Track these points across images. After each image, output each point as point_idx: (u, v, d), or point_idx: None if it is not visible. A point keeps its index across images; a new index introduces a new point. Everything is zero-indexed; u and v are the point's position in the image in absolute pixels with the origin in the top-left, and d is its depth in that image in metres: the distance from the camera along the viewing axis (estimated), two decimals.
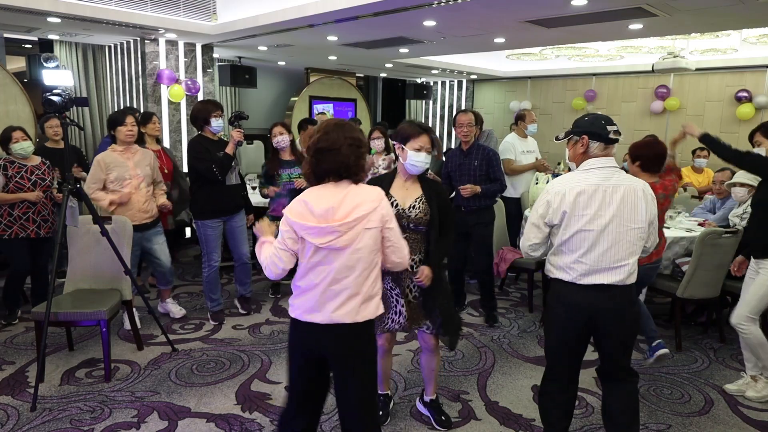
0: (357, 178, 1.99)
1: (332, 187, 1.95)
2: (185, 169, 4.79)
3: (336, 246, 1.91)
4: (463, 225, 4.04)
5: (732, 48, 7.16)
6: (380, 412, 2.86)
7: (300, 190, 4.37)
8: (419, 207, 2.57)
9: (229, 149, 3.94)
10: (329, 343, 2.00)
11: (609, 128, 2.24)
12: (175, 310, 4.33)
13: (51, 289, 3.05)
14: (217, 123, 3.97)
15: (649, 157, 3.26)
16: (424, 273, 2.51)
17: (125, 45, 6.75)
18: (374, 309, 2.03)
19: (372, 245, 1.97)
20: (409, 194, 2.61)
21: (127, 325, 3.86)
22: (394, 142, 2.63)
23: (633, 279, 2.26)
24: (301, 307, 2.01)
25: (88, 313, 3.22)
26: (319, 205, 1.91)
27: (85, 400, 3.03)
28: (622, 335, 2.31)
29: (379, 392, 2.88)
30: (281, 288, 4.90)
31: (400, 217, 2.53)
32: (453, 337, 2.67)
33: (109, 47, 7.15)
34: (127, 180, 3.79)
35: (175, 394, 3.12)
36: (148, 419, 2.85)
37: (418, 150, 2.51)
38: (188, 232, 6.35)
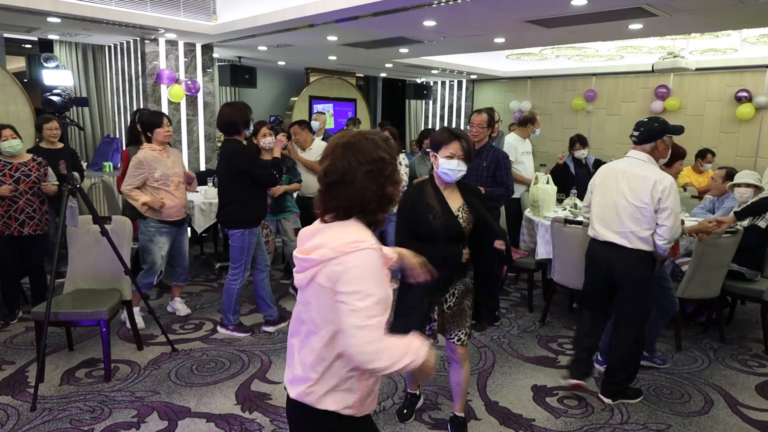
0: (375, 218, 1.48)
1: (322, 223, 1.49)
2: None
3: (298, 285, 1.49)
4: None
5: (732, 48, 7.15)
6: (405, 410, 2.94)
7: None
8: (463, 217, 2.51)
9: (276, 152, 3.93)
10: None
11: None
12: (182, 308, 4.36)
13: (51, 289, 3.04)
14: (251, 126, 3.91)
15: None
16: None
17: (125, 45, 6.75)
18: (333, 401, 1.46)
19: (321, 307, 1.43)
20: (450, 204, 2.53)
21: (140, 324, 3.96)
22: (429, 150, 2.63)
23: (640, 245, 2.89)
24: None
25: (88, 313, 3.22)
26: (305, 230, 1.54)
27: (85, 400, 3.03)
28: (627, 289, 2.99)
29: (409, 391, 3.00)
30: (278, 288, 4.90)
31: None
32: (483, 322, 2.77)
33: (109, 47, 7.15)
34: (170, 178, 3.92)
35: (175, 394, 3.12)
36: (148, 419, 2.85)
37: (450, 157, 2.45)
38: (188, 231, 6.34)
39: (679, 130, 3.00)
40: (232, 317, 3.97)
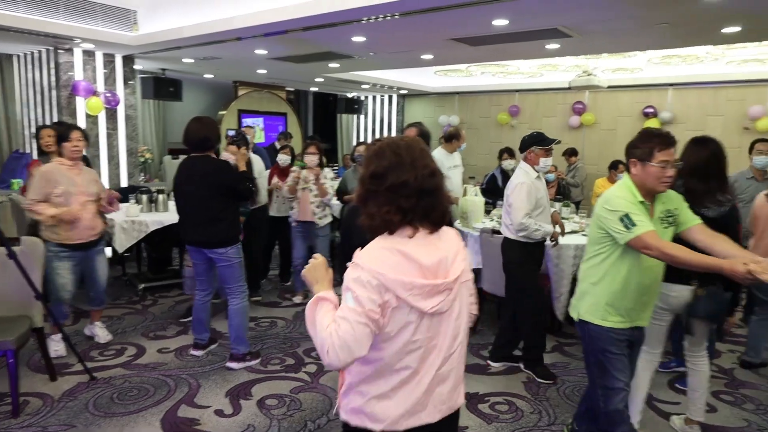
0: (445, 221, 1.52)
1: (428, 236, 1.46)
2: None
3: (443, 309, 1.44)
4: None
5: (638, 68, 7.74)
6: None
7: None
8: None
9: (242, 166, 3.77)
10: None
11: None
12: (102, 334, 4.07)
13: None
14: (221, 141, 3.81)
15: None
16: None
17: (36, 54, 6.35)
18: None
19: (468, 302, 1.57)
20: None
21: (60, 352, 3.74)
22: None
23: (507, 233, 3.58)
24: (396, 410, 1.43)
25: None
26: (426, 256, 1.41)
27: None
28: (504, 271, 3.67)
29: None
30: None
31: None
32: None
33: (18, 56, 6.70)
34: (74, 196, 3.66)
35: (94, 426, 2.91)
36: None
37: None
38: (108, 252, 6.00)
39: (546, 141, 3.55)
40: (242, 348, 3.71)
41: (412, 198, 1.41)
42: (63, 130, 3.76)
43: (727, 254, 2.09)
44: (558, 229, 3.70)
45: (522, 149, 3.60)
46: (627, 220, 2.20)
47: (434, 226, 1.46)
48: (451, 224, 1.64)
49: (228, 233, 3.57)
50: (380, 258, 1.38)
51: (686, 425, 2.96)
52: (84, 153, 4.04)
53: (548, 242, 3.67)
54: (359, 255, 1.40)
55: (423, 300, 1.38)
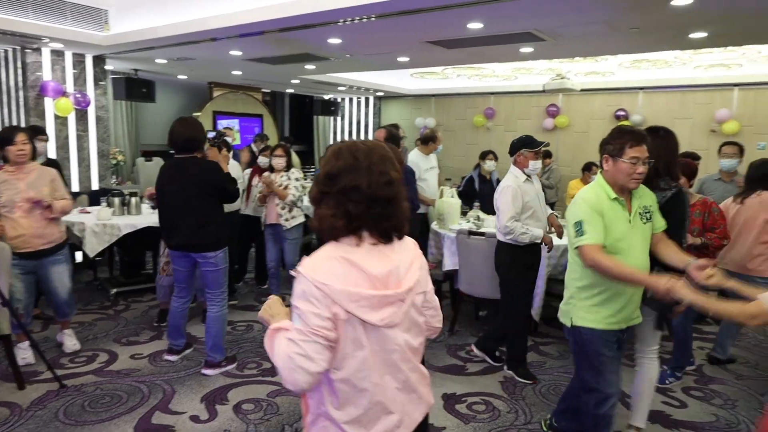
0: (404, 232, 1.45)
1: (378, 246, 1.38)
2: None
3: (395, 322, 1.36)
4: None
5: (610, 71, 7.91)
6: None
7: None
8: None
9: (225, 168, 3.70)
10: None
11: None
12: (69, 344, 3.91)
13: None
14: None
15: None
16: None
17: (2, 54, 6.18)
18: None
19: (427, 313, 1.54)
20: None
21: (29, 359, 3.61)
22: None
23: (500, 236, 3.54)
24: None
25: None
26: (376, 265, 1.34)
27: None
28: (497, 273, 3.66)
29: None
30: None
31: None
32: None
33: None
34: (18, 204, 3.47)
35: None
36: None
37: None
38: (79, 256, 5.87)
39: (534, 144, 3.53)
40: (221, 356, 3.66)
41: (362, 204, 1.33)
42: (6, 132, 3.52)
43: (671, 261, 2.29)
44: (554, 232, 3.76)
45: (511, 152, 3.60)
46: (579, 227, 2.24)
47: (383, 237, 1.37)
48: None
49: (217, 235, 3.52)
50: (324, 267, 1.30)
51: (626, 430, 2.86)
52: (39, 155, 3.89)
53: (544, 248, 3.66)
54: (303, 264, 1.33)
55: (371, 312, 1.31)
